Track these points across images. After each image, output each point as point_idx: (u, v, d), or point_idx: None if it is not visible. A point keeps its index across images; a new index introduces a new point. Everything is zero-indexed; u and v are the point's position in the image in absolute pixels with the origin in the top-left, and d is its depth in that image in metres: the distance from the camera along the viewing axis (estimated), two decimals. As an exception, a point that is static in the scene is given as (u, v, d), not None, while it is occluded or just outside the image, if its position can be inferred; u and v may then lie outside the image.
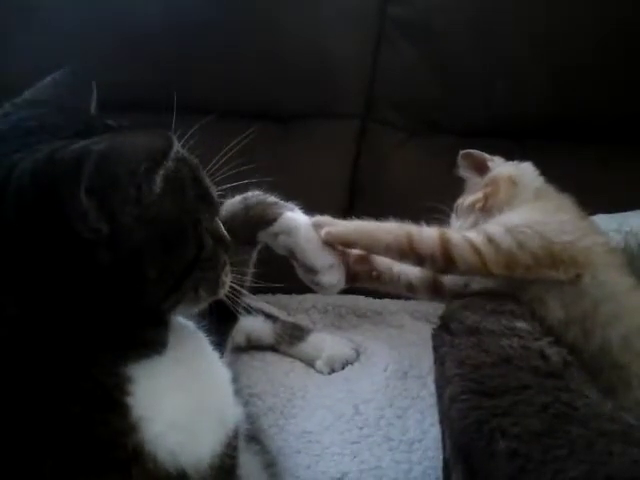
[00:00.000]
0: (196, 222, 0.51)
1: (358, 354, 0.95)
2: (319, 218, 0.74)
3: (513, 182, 0.84)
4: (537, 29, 1.15)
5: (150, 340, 0.50)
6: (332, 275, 0.74)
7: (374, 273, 0.79)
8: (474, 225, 0.81)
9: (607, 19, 1.12)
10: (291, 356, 0.96)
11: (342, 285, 0.76)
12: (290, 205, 0.76)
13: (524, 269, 0.69)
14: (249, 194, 0.76)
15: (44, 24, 1.16)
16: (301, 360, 0.96)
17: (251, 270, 0.76)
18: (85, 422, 0.45)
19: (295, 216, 0.75)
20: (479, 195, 0.84)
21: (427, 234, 0.70)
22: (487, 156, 0.90)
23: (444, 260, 0.69)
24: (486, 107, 1.18)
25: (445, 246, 0.68)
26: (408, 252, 0.69)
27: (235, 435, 0.55)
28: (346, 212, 1.21)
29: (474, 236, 0.70)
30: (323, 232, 0.72)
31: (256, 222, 0.74)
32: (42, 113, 0.51)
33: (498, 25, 1.16)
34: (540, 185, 0.84)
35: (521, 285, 0.71)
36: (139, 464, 0.46)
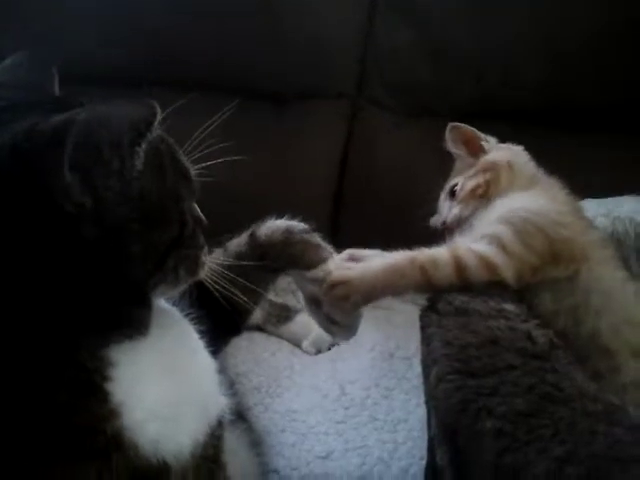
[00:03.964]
0: (178, 199, 0.50)
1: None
2: (333, 278, 0.66)
3: (511, 169, 0.83)
4: (532, 12, 1.14)
5: (133, 320, 0.49)
6: (352, 331, 0.71)
7: None
8: (474, 212, 0.80)
9: (602, 5, 1.11)
10: (278, 336, 0.97)
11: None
12: (329, 249, 0.69)
13: (532, 272, 0.68)
14: (293, 227, 0.69)
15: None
16: (288, 340, 0.96)
17: (267, 293, 0.72)
18: (65, 407, 0.44)
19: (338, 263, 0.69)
20: (480, 181, 0.83)
21: (441, 264, 0.66)
22: (480, 135, 0.89)
23: (461, 284, 0.65)
24: (478, 90, 1.17)
25: (461, 273, 0.65)
26: (427, 288, 0.66)
27: (219, 425, 0.54)
28: (336, 192, 1.22)
29: (486, 250, 0.67)
30: (333, 277, 0.66)
31: (294, 261, 0.68)
32: (9, 94, 0.50)
33: (492, 7, 1.14)
34: (534, 172, 0.84)
35: None
36: (119, 451, 0.45)
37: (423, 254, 0.67)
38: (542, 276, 0.69)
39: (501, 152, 0.87)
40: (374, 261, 0.68)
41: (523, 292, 0.69)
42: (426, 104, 1.21)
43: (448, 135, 0.91)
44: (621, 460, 0.39)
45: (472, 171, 0.86)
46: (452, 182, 0.88)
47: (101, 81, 1.12)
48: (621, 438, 0.41)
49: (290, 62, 1.19)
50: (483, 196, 0.81)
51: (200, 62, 1.19)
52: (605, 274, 0.72)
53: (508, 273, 0.67)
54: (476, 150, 0.88)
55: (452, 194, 0.86)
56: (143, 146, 0.45)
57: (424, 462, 0.67)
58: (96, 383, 0.45)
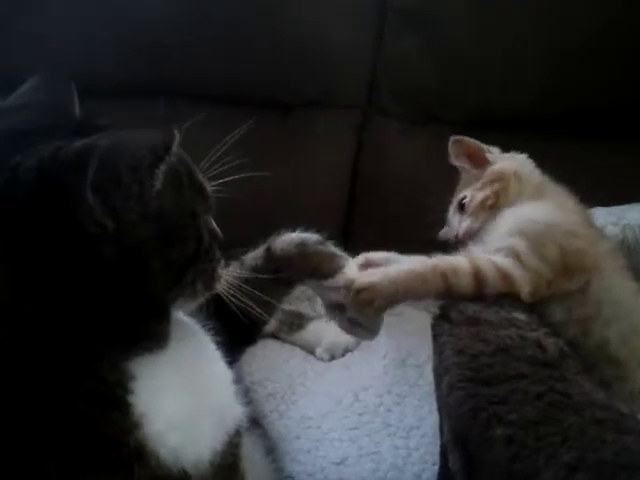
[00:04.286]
0: (194, 216, 0.51)
1: (358, 342, 0.95)
2: (358, 284, 0.68)
3: (519, 178, 0.84)
4: (537, 20, 1.15)
5: (152, 334, 0.50)
6: (375, 332, 0.72)
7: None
8: (484, 223, 0.81)
9: (606, 11, 1.12)
10: (291, 343, 0.98)
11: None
12: (344, 256, 0.70)
13: (546, 286, 0.69)
14: (307, 239, 0.70)
15: (44, 14, 1.16)
16: (301, 347, 0.97)
17: (281, 305, 0.73)
18: (88, 420, 0.46)
19: (353, 274, 0.70)
20: (489, 192, 0.83)
21: (461, 273, 0.67)
22: (483, 146, 0.90)
23: (478, 293, 0.67)
24: (485, 98, 1.18)
25: (479, 282, 0.67)
26: (446, 295, 0.68)
27: (237, 434, 0.56)
28: (348, 202, 1.23)
29: (504, 262, 0.69)
30: (358, 284, 0.67)
31: (310, 272, 0.69)
32: (32, 117, 0.51)
33: (498, 16, 1.16)
34: (540, 179, 0.85)
35: None
36: (142, 461, 0.46)
37: (445, 262, 0.69)
38: (555, 290, 0.70)
39: (507, 162, 0.87)
40: (396, 267, 0.69)
41: (534, 303, 0.69)
42: (432, 111, 1.22)
43: (451, 149, 0.91)
44: (629, 467, 0.40)
45: (480, 183, 0.86)
46: (460, 195, 0.88)
47: (112, 94, 1.14)
48: (629, 446, 0.42)
49: (298, 72, 1.20)
50: (493, 207, 0.82)
51: (211, 74, 1.20)
52: (615, 284, 0.73)
53: (525, 288, 0.68)
54: (480, 162, 0.89)
55: (461, 207, 0.87)
56: (162, 168, 0.46)
57: (437, 468, 0.67)
58: (118, 396, 0.47)
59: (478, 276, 0.67)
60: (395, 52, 1.21)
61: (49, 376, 0.45)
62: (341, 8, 1.19)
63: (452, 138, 0.91)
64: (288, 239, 0.70)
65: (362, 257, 0.74)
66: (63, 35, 1.16)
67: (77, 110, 0.57)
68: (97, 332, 0.46)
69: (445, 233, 0.89)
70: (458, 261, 0.69)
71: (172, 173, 0.48)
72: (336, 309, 0.70)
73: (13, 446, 0.44)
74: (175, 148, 0.48)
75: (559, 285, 0.70)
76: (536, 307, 0.69)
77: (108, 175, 0.43)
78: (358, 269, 0.71)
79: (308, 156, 1.20)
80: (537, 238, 0.72)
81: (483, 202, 0.83)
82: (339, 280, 0.68)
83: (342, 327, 0.72)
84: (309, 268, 0.68)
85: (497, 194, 0.83)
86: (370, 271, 0.69)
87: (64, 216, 0.43)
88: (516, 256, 0.70)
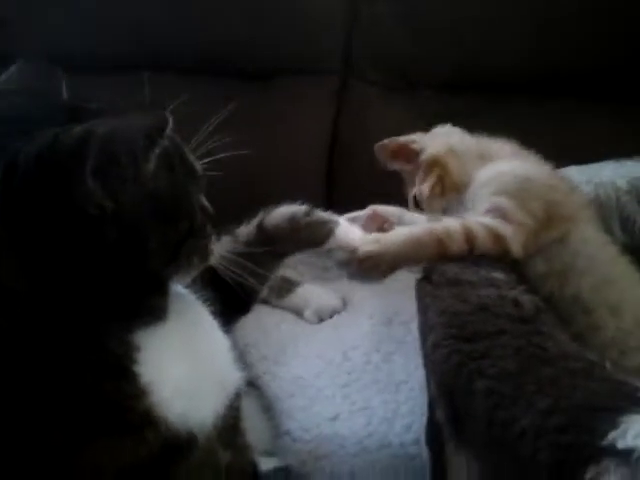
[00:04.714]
0: (187, 195, 0.53)
1: (345, 303, 0.99)
2: (360, 254, 0.71)
3: (455, 153, 0.84)
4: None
5: (153, 308, 0.53)
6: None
7: (386, 225, 0.81)
8: (451, 203, 0.83)
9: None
10: (281, 307, 1.00)
11: None
12: (333, 219, 0.74)
13: (534, 238, 0.73)
14: (297, 212, 0.73)
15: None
16: (290, 311, 1.00)
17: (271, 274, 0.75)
18: (99, 390, 0.48)
19: (346, 229, 0.74)
20: (432, 180, 0.84)
21: (454, 235, 0.71)
22: (405, 139, 0.89)
23: (471, 253, 0.70)
24: (463, 61, 1.19)
25: (471, 244, 0.70)
26: (442, 257, 0.70)
27: (236, 397, 0.59)
28: (327, 168, 1.24)
29: (492, 222, 0.72)
30: (361, 253, 0.71)
31: (305, 244, 0.74)
32: (22, 102, 0.52)
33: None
34: (476, 141, 0.86)
35: None
36: (151, 425, 0.49)
37: (439, 226, 0.72)
38: (540, 242, 0.73)
39: (435, 144, 0.87)
40: (396, 234, 0.73)
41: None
42: (410, 77, 1.23)
43: (379, 156, 0.91)
44: (597, 409, 0.44)
45: (420, 175, 0.87)
46: (410, 194, 0.90)
47: (94, 69, 1.14)
48: (597, 390, 0.47)
49: (275, 40, 1.21)
50: (445, 191, 0.84)
51: (188, 46, 1.20)
52: (590, 236, 0.76)
53: (514, 244, 0.71)
54: (412, 155, 0.88)
55: (417, 204, 0.88)
56: (156, 151, 0.48)
57: (425, 419, 0.71)
58: (125, 366, 0.50)
59: (470, 238, 0.70)
60: (370, 17, 1.21)
61: (60, 352, 0.47)
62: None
63: (375, 146, 0.91)
64: (279, 215, 0.72)
65: (370, 209, 0.78)
66: (46, 13, 1.15)
67: (64, 92, 0.58)
68: (101, 308, 0.49)
69: None
70: (450, 225, 0.72)
71: (165, 155, 0.50)
72: (343, 264, 0.75)
73: (29, 416, 0.47)
74: (168, 132, 0.49)
75: (544, 236, 0.74)
76: (518, 262, 0.73)
77: (106, 160, 0.45)
78: (367, 222, 0.77)
79: (287, 124, 1.21)
80: (520, 193, 0.75)
81: (432, 192, 0.84)
82: (332, 243, 0.72)
83: (354, 278, 0.77)
84: (303, 240, 0.72)
85: (440, 177, 0.84)
86: (371, 238, 0.72)
87: (65, 200, 0.45)
88: (503, 215, 0.73)
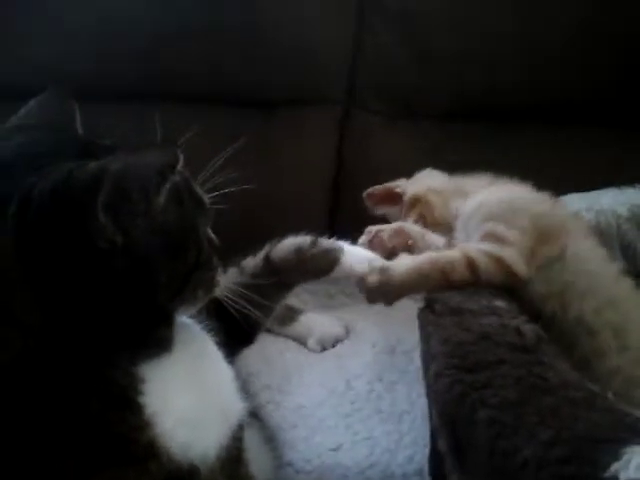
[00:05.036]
0: (194, 228, 0.54)
1: (348, 332, 0.99)
2: (367, 286, 0.73)
3: (434, 191, 0.89)
4: (515, 12, 1.18)
5: (159, 340, 0.54)
6: None
7: (410, 242, 0.83)
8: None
9: (583, 5, 1.16)
10: (284, 336, 1.00)
11: None
12: (337, 246, 0.75)
13: (531, 254, 0.74)
14: (302, 244, 0.74)
15: (28, 16, 1.17)
16: (294, 339, 1.00)
17: (276, 306, 0.77)
18: (104, 421, 0.48)
19: (351, 257, 0.75)
20: (414, 217, 0.89)
21: (456, 264, 0.72)
22: (391, 184, 0.95)
23: (475, 281, 0.72)
24: (464, 91, 1.21)
25: (474, 271, 0.71)
26: (446, 287, 0.72)
27: (239, 428, 0.59)
28: (332, 196, 1.26)
29: (490, 247, 0.73)
30: (367, 283, 0.73)
31: (313, 273, 0.75)
32: (40, 137, 0.54)
33: (474, 9, 1.19)
34: (455, 181, 0.91)
35: None
36: (154, 457, 0.49)
37: (441, 255, 0.74)
38: (540, 258, 0.74)
39: (415, 185, 0.93)
40: (400, 263, 0.74)
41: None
42: (413, 106, 1.25)
43: (367, 203, 0.96)
44: (599, 441, 0.44)
45: (404, 213, 0.92)
46: None
47: (102, 97, 1.16)
48: (599, 422, 0.46)
49: (278, 69, 1.22)
50: (426, 227, 0.86)
51: (194, 74, 1.22)
52: (589, 253, 0.77)
53: (518, 264, 0.72)
54: (396, 199, 0.94)
55: None
56: (166, 186, 0.49)
57: (427, 450, 0.71)
58: (130, 397, 0.50)
59: (472, 266, 0.71)
60: (374, 48, 1.23)
61: (66, 382, 0.48)
62: (321, 7, 1.21)
63: (364, 194, 0.96)
64: (285, 247, 0.74)
65: (397, 225, 0.80)
66: (47, 39, 1.17)
67: (78, 124, 0.60)
68: (108, 341, 0.49)
69: None
70: (452, 254, 0.73)
71: (175, 189, 0.51)
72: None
73: (34, 446, 0.47)
74: (179, 167, 0.51)
75: (541, 252, 0.74)
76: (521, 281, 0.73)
77: (118, 196, 0.46)
78: (393, 235, 0.80)
79: (291, 153, 1.22)
80: (505, 214, 0.77)
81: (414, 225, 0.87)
82: (338, 272, 0.74)
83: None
84: (310, 270, 0.74)
85: (421, 214, 0.88)
86: (376, 268, 0.73)
87: (77, 234, 0.46)
88: (497, 239, 0.74)
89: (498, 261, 0.72)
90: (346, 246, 0.76)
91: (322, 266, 0.74)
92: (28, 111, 0.59)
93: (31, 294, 0.47)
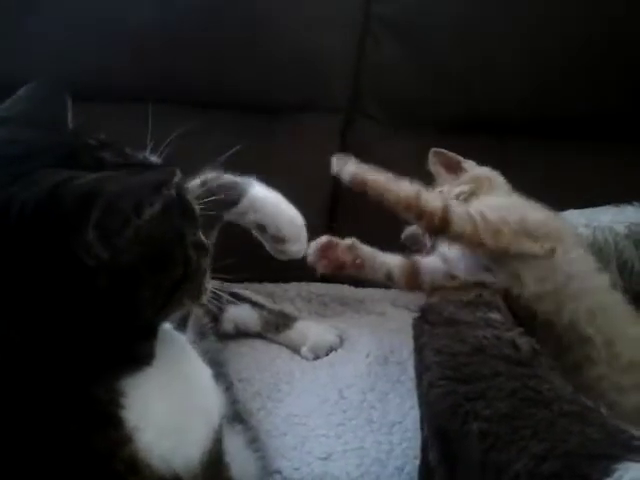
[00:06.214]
0: (181, 238, 0.52)
1: (341, 340, 0.98)
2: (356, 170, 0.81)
3: (491, 183, 0.92)
4: (518, 27, 1.19)
5: (140, 354, 0.52)
6: (300, 243, 0.82)
7: (358, 261, 0.85)
8: None
9: (589, 19, 1.16)
10: (277, 343, 0.99)
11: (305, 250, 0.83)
12: (248, 180, 0.80)
13: (507, 240, 0.76)
14: (207, 176, 0.78)
15: (29, 18, 1.17)
16: (287, 346, 0.99)
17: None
18: (83, 436, 0.47)
19: (258, 191, 0.80)
20: (464, 189, 0.91)
21: (434, 197, 0.78)
22: (461, 158, 0.97)
23: (441, 220, 0.76)
24: (467, 103, 1.22)
25: (446, 209, 0.76)
26: (413, 206, 0.76)
27: (220, 426, 0.57)
28: (333, 204, 1.25)
29: (470, 209, 0.78)
30: (350, 172, 0.80)
31: (221, 205, 0.76)
32: (22, 135, 0.50)
33: (480, 22, 1.19)
34: (509, 189, 0.92)
35: (500, 261, 0.77)
36: (136, 473, 0.48)
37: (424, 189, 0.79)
38: (519, 247, 0.76)
39: (481, 170, 0.95)
40: (381, 175, 0.81)
41: (510, 279, 0.76)
42: (415, 116, 1.25)
43: (431, 158, 0.98)
44: (592, 456, 0.43)
45: (458, 181, 0.94)
46: (437, 189, 0.94)
47: (102, 97, 1.16)
48: (593, 436, 0.46)
49: (283, 78, 1.22)
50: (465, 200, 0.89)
51: (196, 80, 1.22)
52: (579, 257, 0.79)
53: (482, 228, 0.76)
54: (454, 170, 0.96)
55: None
56: (159, 204, 0.47)
57: (418, 461, 0.70)
58: (111, 412, 0.48)
59: (446, 203, 0.77)
60: (377, 58, 1.23)
61: (45, 399, 0.46)
62: (325, 15, 1.21)
63: (433, 150, 0.98)
64: (195, 183, 0.76)
65: (351, 242, 0.85)
66: (47, 40, 1.18)
67: (69, 120, 0.56)
68: (89, 356, 0.47)
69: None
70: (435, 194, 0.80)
71: (166, 205, 0.49)
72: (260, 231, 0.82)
73: (13, 464, 0.45)
74: (174, 184, 0.49)
75: (525, 245, 0.76)
76: (511, 282, 0.76)
77: (110, 217, 0.43)
78: (343, 251, 0.84)
79: (292, 159, 1.22)
80: (501, 206, 0.81)
81: (457, 195, 0.90)
82: (248, 201, 0.78)
83: (270, 249, 0.83)
84: (219, 201, 0.74)
85: (472, 190, 0.90)
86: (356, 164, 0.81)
87: (59, 249, 0.44)
88: (480, 211, 0.78)
89: (471, 219, 0.76)
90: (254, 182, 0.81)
91: (229, 197, 0.77)
92: (14, 101, 0.55)
93: (10, 309, 0.45)
